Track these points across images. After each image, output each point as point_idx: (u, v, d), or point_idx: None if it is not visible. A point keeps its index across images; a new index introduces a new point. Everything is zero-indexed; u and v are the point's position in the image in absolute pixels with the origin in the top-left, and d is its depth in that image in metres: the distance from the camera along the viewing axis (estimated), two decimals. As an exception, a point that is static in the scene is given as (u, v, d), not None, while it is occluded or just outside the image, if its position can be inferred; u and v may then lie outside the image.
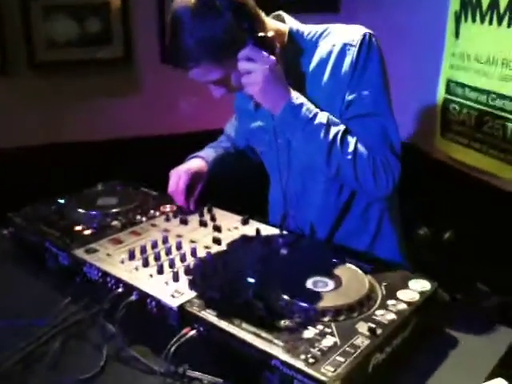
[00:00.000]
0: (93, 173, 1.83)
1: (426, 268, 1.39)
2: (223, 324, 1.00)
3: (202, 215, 1.43)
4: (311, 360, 0.90)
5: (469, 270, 2.04)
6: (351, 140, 1.22)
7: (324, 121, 1.20)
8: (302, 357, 0.91)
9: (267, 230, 1.34)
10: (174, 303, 1.06)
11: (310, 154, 1.25)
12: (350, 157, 1.20)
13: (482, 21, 2.11)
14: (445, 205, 2.28)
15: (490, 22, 2.06)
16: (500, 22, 2.02)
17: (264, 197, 1.66)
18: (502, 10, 2.00)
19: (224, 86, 1.27)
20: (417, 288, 1.10)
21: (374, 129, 1.24)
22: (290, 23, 1.33)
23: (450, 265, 2.03)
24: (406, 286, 1.11)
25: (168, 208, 1.49)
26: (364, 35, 1.24)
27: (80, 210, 1.46)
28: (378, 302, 1.06)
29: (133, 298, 1.12)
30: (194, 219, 1.42)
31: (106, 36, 2.65)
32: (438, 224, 2.30)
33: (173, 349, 0.99)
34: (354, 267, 1.17)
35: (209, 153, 1.54)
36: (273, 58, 1.18)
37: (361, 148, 1.22)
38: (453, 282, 1.46)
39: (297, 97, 1.21)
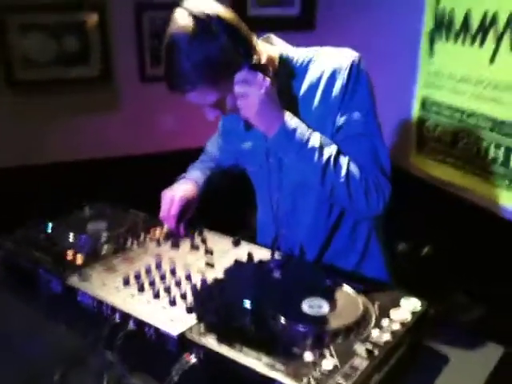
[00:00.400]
0: (75, 193, 1.84)
1: (407, 283, 1.44)
2: (224, 349, 1.02)
3: (192, 238, 1.45)
4: (313, 383, 0.93)
5: (449, 283, 2.10)
6: (344, 161, 1.26)
7: (317, 144, 1.24)
8: (305, 380, 0.93)
9: (259, 253, 1.37)
10: (173, 331, 1.08)
11: (303, 174, 1.28)
12: (343, 178, 1.24)
13: (456, 40, 2.18)
14: (422, 220, 2.34)
15: (463, 42, 2.14)
16: (472, 42, 2.09)
17: (248, 210, 1.69)
18: (474, 30, 2.08)
19: (218, 108, 1.29)
20: (409, 307, 1.14)
21: (365, 149, 1.28)
22: (279, 47, 1.37)
23: (431, 278, 2.08)
24: (397, 306, 1.14)
25: (158, 231, 1.49)
26: (353, 60, 1.28)
27: (71, 235, 1.47)
28: (373, 322, 1.09)
29: (131, 326, 1.13)
30: (185, 242, 1.43)
31: (85, 55, 2.66)
32: (416, 239, 2.35)
33: (176, 378, 1.00)
34: (346, 288, 1.20)
35: (198, 176, 1.56)
36: (268, 80, 1.21)
37: (353, 169, 1.26)
38: (433, 295, 1.50)
39: (291, 118, 1.24)
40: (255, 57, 1.22)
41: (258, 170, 1.48)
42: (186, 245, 1.42)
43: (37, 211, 1.62)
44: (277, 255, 1.35)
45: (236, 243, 1.42)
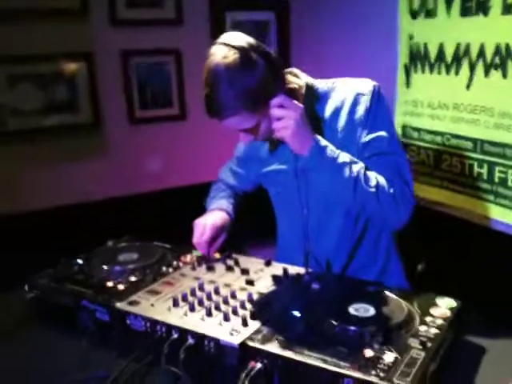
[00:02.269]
0: (82, 235, 1.88)
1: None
2: (288, 353, 1.09)
3: (225, 261, 1.52)
4: (382, 374, 1.00)
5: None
6: (372, 175, 1.37)
7: (347, 159, 1.35)
8: (373, 372, 1.01)
9: (293, 269, 1.45)
10: (234, 341, 1.14)
11: (336, 190, 1.38)
12: (373, 189, 1.35)
13: (431, 71, 2.37)
14: (414, 239, 2.46)
15: (439, 72, 2.32)
16: (448, 71, 2.28)
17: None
18: (449, 60, 2.27)
19: (252, 133, 1.39)
20: (445, 305, 1.24)
21: (390, 165, 1.40)
22: (303, 78, 1.50)
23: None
24: (434, 305, 1.24)
25: (189, 258, 1.56)
26: (374, 86, 1.43)
27: (105, 267, 1.50)
28: (417, 319, 1.19)
29: (190, 341, 1.18)
30: (219, 266, 1.50)
31: (73, 102, 2.71)
32: (409, 257, 2.47)
33: (247, 382, 1.06)
34: (387, 292, 1.29)
35: (225, 203, 1.66)
36: (301, 105, 1.32)
37: (381, 181, 1.37)
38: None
39: (320, 139, 1.35)
40: (288, 84, 1.33)
41: (283, 190, 1.57)
42: (220, 267, 1.49)
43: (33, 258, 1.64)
44: (310, 270, 1.43)
45: (268, 263, 1.50)
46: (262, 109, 1.32)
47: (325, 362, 1.06)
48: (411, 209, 1.40)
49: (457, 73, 2.24)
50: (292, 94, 1.35)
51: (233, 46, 1.28)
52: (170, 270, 1.49)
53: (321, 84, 1.50)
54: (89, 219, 2.62)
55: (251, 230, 1.92)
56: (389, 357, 1.06)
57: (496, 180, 2.14)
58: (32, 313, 1.48)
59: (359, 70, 2.69)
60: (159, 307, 1.29)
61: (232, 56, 1.27)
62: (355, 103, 1.42)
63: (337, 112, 1.44)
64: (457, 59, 2.23)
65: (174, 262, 1.54)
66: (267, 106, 1.32)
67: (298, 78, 1.48)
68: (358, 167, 1.36)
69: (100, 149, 2.81)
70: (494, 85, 2.07)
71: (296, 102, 1.33)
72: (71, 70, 2.67)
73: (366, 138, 1.41)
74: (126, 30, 2.72)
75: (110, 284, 1.42)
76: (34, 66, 2.58)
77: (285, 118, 1.30)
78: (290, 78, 1.43)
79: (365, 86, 1.44)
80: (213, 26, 2.87)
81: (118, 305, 1.31)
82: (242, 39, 1.30)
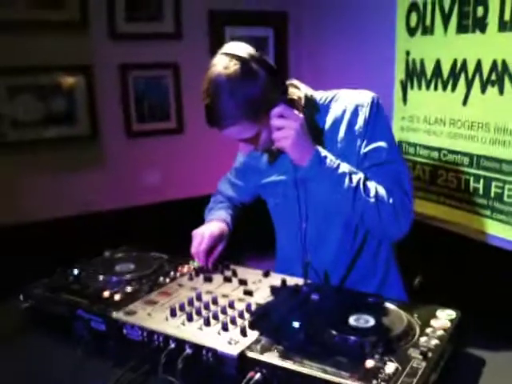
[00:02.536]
0: (80, 246, 1.87)
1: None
2: (288, 364, 1.08)
3: (222, 272, 1.51)
4: (383, 384, 0.99)
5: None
6: (372, 185, 1.37)
7: (346, 170, 1.35)
8: (374, 382, 1.00)
9: (290, 281, 1.44)
10: (233, 351, 1.12)
11: (335, 200, 1.38)
12: (373, 199, 1.35)
13: (428, 87, 2.39)
14: (410, 253, 2.46)
15: (436, 88, 2.34)
16: (445, 88, 2.30)
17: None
18: (445, 77, 2.29)
19: (252, 143, 1.40)
20: (445, 316, 1.23)
21: (390, 175, 1.40)
22: (303, 89, 1.50)
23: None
24: (434, 316, 1.23)
25: (186, 269, 1.54)
26: (373, 98, 1.44)
27: (101, 277, 1.49)
28: (418, 331, 1.18)
29: (188, 351, 1.16)
30: (216, 276, 1.49)
31: (72, 114, 2.71)
32: (406, 272, 2.46)
33: (245, 393, 1.05)
34: (387, 304, 1.29)
35: (223, 214, 1.66)
36: (301, 115, 1.32)
37: (381, 191, 1.37)
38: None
39: (321, 149, 1.35)
40: (288, 94, 1.34)
41: (282, 201, 1.57)
42: (218, 278, 1.48)
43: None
44: (309, 281, 1.42)
45: (266, 274, 1.49)
46: (262, 118, 1.32)
47: (325, 372, 1.04)
48: (411, 219, 1.40)
49: (453, 89, 2.26)
50: (292, 104, 1.36)
51: (234, 57, 1.29)
52: (167, 280, 1.48)
53: (320, 95, 1.51)
54: (87, 230, 2.61)
55: (250, 242, 1.91)
56: (390, 367, 1.04)
57: (492, 195, 2.15)
58: (27, 322, 1.46)
59: (356, 84, 2.72)
60: (156, 317, 1.28)
61: (233, 67, 1.27)
62: (354, 114, 1.43)
63: (336, 123, 1.45)
64: (453, 75, 2.25)
65: (172, 273, 1.52)
66: (268, 115, 1.32)
67: (298, 90, 1.49)
68: (358, 178, 1.36)
69: (98, 161, 2.81)
70: (491, 101, 2.09)
71: (296, 111, 1.33)
72: (70, 82, 2.68)
73: (365, 148, 1.41)
74: (125, 44, 2.74)
75: (106, 294, 1.40)
76: (34, 77, 2.59)
77: (285, 128, 1.31)
78: (290, 89, 1.44)
79: (364, 97, 1.45)
80: (212, 41, 2.89)
81: (115, 314, 1.30)
82: (243, 49, 1.31)
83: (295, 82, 1.53)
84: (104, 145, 2.80)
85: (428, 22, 2.32)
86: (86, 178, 2.76)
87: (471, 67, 2.16)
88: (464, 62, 2.19)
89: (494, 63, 2.04)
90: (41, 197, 2.64)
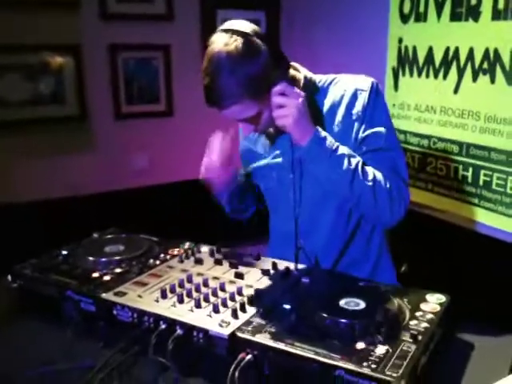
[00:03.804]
0: (69, 228, 1.86)
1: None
2: (279, 345, 1.08)
3: (213, 255, 1.50)
4: (374, 366, 1.00)
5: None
6: (369, 169, 1.37)
7: (345, 151, 1.35)
8: (365, 364, 1.00)
9: (282, 264, 1.44)
10: (224, 332, 1.12)
11: (333, 182, 1.36)
12: (370, 182, 1.34)
13: (419, 75, 2.39)
14: (397, 239, 2.48)
15: (427, 75, 2.34)
16: (436, 75, 2.30)
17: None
18: (437, 64, 2.29)
19: (253, 123, 1.38)
20: (435, 300, 1.24)
21: (386, 161, 1.40)
22: (303, 72, 1.49)
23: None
24: (424, 300, 1.24)
25: (176, 251, 1.54)
26: (372, 83, 1.43)
27: (90, 258, 1.48)
28: (408, 314, 1.18)
29: (179, 332, 1.16)
30: (207, 259, 1.48)
31: (60, 95, 2.68)
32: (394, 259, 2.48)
33: (237, 373, 1.05)
34: (378, 287, 1.29)
35: None
36: (303, 93, 1.31)
37: (379, 176, 1.37)
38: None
39: (320, 130, 1.34)
40: (290, 72, 1.33)
41: (277, 185, 1.56)
42: (209, 260, 1.47)
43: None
44: (299, 265, 1.42)
45: (257, 258, 1.48)
46: (263, 97, 1.31)
47: (316, 353, 1.05)
48: (406, 207, 1.40)
49: (445, 77, 2.27)
50: (296, 81, 1.35)
51: (234, 33, 1.27)
52: (158, 262, 1.47)
53: (319, 78, 1.50)
54: (76, 212, 2.60)
55: (241, 228, 1.90)
56: (380, 349, 1.05)
57: (481, 183, 2.17)
58: (16, 303, 1.45)
59: (348, 69, 2.71)
60: (147, 298, 1.27)
61: (234, 43, 1.25)
62: (353, 98, 1.42)
63: (335, 106, 1.44)
64: (445, 63, 2.25)
65: (162, 255, 1.52)
66: (269, 94, 1.30)
67: (297, 72, 1.48)
68: (357, 160, 1.35)
69: (87, 142, 2.79)
70: (482, 89, 2.09)
71: (297, 89, 1.32)
72: (59, 62, 2.66)
73: (363, 133, 1.41)
74: (115, 24, 2.71)
75: (95, 275, 1.39)
76: (23, 56, 2.56)
77: (286, 106, 1.29)
78: (289, 71, 1.43)
79: (363, 81, 1.44)
80: (203, 23, 2.87)
81: (104, 295, 1.29)
82: (244, 25, 1.29)
83: (295, 64, 1.51)
84: (93, 126, 2.78)
85: (421, 8, 2.31)
86: (75, 160, 2.74)
87: (463, 55, 2.16)
88: (456, 50, 2.19)
89: (487, 52, 2.05)
90: (29, 178, 2.62)
